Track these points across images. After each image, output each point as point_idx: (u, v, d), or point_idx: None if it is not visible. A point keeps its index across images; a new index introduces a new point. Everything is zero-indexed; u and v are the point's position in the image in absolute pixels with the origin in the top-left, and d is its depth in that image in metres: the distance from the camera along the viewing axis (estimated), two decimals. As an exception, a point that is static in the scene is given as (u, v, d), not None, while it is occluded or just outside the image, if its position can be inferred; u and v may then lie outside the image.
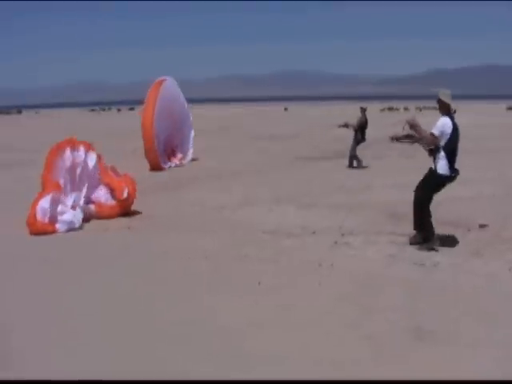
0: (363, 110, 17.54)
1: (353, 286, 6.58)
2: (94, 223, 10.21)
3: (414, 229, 8.28)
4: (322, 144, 24.17)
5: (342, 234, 8.84)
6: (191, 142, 20.65)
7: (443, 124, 7.72)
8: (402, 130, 8.29)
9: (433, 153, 7.89)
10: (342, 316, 5.73)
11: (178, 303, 6.14)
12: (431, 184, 8.04)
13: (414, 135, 8.14)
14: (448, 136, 7.72)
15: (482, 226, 9.14)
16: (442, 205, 10.81)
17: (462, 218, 9.66)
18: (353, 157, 16.85)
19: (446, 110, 7.86)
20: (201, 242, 8.53)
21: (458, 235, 8.69)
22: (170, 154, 19.66)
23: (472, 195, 11.46)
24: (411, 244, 8.14)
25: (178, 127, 20.24)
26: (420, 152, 20.37)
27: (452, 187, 12.64)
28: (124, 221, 10.26)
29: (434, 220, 9.60)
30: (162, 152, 18.46)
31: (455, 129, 7.77)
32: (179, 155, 19.78)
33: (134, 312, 5.89)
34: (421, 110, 65.70)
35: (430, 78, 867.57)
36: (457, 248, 8.06)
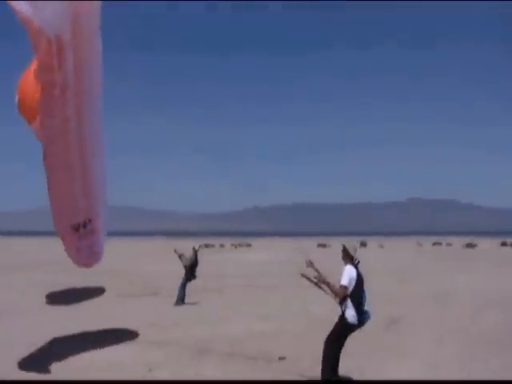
0: (194, 251, 18.34)
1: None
2: None
3: (322, 375, 8.06)
4: (134, 280, 24.15)
5: (150, 370, 8.98)
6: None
7: (349, 273, 8.01)
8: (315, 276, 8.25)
9: (341, 302, 8.00)
10: None
11: None
12: (342, 332, 8.08)
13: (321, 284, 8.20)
14: (353, 284, 7.98)
15: (281, 359, 9.86)
16: (246, 340, 11.49)
17: (263, 352, 10.32)
18: (181, 293, 17.28)
19: (349, 258, 8.21)
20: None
21: (259, 367, 9.28)
22: None
23: (274, 330, 12.25)
24: None
25: None
26: (230, 289, 21.25)
27: (257, 323, 13.56)
28: None
29: (239, 355, 10.19)
30: None
31: (359, 277, 8.10)
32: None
33: None
34: (236, 247, 68.88)
35: (247, 214, 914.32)
36: (257, 379, 8.58)
